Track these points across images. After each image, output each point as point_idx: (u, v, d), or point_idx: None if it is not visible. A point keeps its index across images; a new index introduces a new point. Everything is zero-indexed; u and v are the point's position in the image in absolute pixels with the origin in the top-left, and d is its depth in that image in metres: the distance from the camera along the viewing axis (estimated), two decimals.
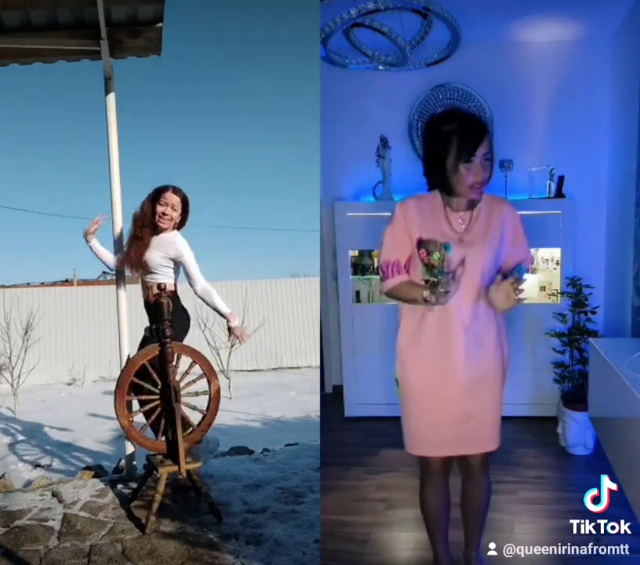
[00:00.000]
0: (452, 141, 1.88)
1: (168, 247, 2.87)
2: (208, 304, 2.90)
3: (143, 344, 2.85)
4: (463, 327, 1.99)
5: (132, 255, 2.87)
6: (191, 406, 2.68)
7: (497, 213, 2.07)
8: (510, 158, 4.12)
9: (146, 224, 2.88)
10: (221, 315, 2.87)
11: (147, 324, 2.81)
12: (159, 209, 2.87)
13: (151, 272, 2.89)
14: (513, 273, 1.94)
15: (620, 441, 2.47)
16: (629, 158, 3.71)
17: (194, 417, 2.73)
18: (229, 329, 2.87)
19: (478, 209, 2.05)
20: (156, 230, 2.90)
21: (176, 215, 2.91)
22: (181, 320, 2.91)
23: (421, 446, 2.10)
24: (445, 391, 2.03)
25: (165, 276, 2.90)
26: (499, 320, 2.07)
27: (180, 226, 2.97)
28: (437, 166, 1.93)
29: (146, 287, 2.93)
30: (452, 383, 2.02)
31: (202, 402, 2.75)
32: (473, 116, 1.97)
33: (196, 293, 2.91)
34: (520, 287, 1.89)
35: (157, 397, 2.64)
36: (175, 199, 2.90)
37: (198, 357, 2.73)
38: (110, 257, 3.09)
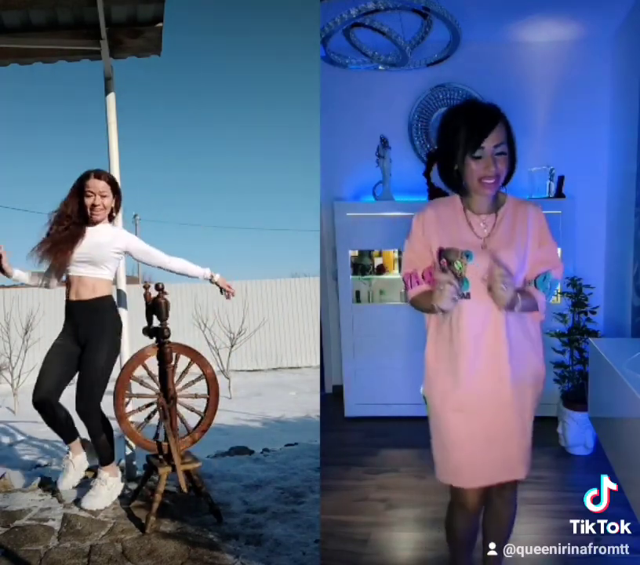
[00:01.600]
0: (459, 132, 1.74)
1: (115, 240, 2.61)
2: (188, 275, 2.78)
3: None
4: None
5: (58, 259, 2.55)
6: (189, 407, 2.68)
7: (522, 215, 1.88)
8: None
9: (75, 222, 2.57)
10: (205, 278, 2.83)
11: (146, 324, 2.77)
12: (87, 201, 2.56)
13: (94, 266, 2.59)
14: (538, 282, 1.81)
15: (620, 441, 2.47)
16: (629, 158, 3.71)
17: (193, 417, 2.73)
18: (216, 284, 2.86)
19: (502, 211, 1.87)
20: (88, 223, 2.60)
21: (108, 201, 2.61)
22: (116, 321, 2.70)
23: (456, 476, 1.94)
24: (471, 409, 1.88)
25: (110, 272, 2.64)
26: (533, 334, 1.91)
27: (116, 211, 2.69)
28: (447, 162, 1.80)
29: (74, 283, 2.64)
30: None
31: (202, 402, 2.75)
32: (485, 105, 1.80)
33: (173, 271, 2.73)
34: (506, 282, 1.71)
35: (153, 399, 2.65)
36: (100, 185, 2.58)
37: (196, 357, 2.73)
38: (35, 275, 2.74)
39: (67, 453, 2.71)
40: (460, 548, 2.15)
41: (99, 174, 2.61)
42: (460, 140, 1.74)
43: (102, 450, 2.66)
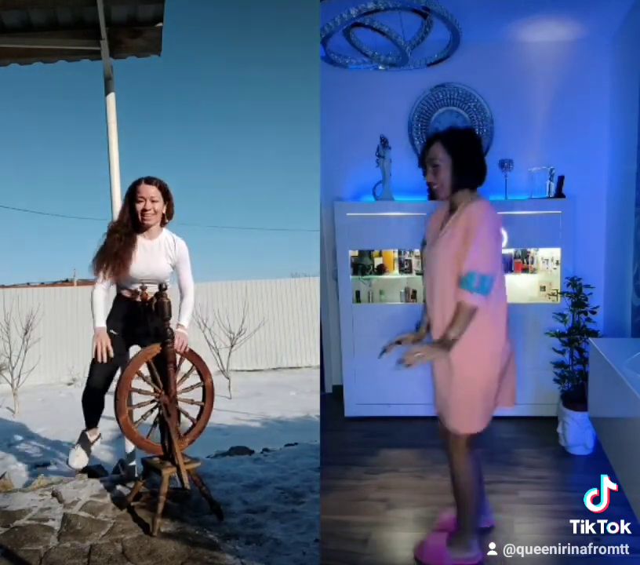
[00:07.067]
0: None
1: (171, 252, 2.72)
2: (180, 310, 2.80)
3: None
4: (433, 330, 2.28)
5: (120, 268, 2.62)
6: (184, 412, 2.68)
7: (460, 213, 2.16)
8: (510, 158, 4.12)
9: (127, 231, 2.65)
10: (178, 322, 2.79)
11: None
12: (137, 206, 2.63)
13: (150, 282, 2.69)
14: (462, 282, 2.06)
15: (620, 441, 2.46)
16: (629, 158, 3.71)
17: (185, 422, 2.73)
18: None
19: (457, 211, 2.19)
20: (141, 229, 2.69)
21: (159, 206, 2.67)
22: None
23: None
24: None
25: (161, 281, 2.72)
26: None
27: (168, 217, 2.75)
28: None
29: (133, 290, 2.72)
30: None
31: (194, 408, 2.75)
32: (438, 132, 2.29)
33: (181, 299, 2.80)
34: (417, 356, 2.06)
35: (153, 398, 2.64)
36: (151, 191, 2.65)
37: (201, 364, 2.74)
38: (100, 295, 2.72)
39: (85, 432, 2.71)
40: (476, 490, 2.36)
41: (149, 180, 2.66)
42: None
43: None
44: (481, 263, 2.05)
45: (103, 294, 2.70)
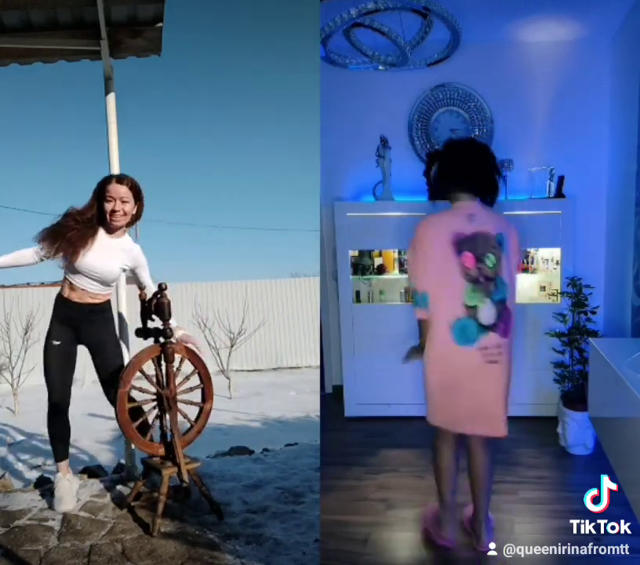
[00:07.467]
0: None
1: (126, 257, 2.60)
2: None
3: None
4: None
5: (71, 256, 2.48)
6: (183, 413, 2.67)
7: None
8: (511, 158, 4.12)
9: (89, 225, 2.50)
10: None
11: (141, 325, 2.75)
12: (107, 206, 2.47)
13: (104, 285, 2.60)
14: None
15: (620, 441, 2.46)
16: (629, 158, 3.71)
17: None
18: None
19: None
20: (108, 229, 2.56)
21: (129, 208, 2.51)
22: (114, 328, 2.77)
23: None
24: None
25: (109, 287, 2.64)
26: None
27: (137, 218, 2.60)
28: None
29: (78, 291, 2.58)
30: None
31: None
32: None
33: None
34: None
35: (153, 401, 2.64)
36: (122, 191, 2.48)
37: (203, 369, 2.73)
38: (26, 254, 2.53)
39: (57, 472, 2.72)
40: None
41: (121, 179, 2.52)
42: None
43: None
44: (411, 280, 2.40)
45: (28, 256, 2.50)
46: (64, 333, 2.64)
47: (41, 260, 2.53)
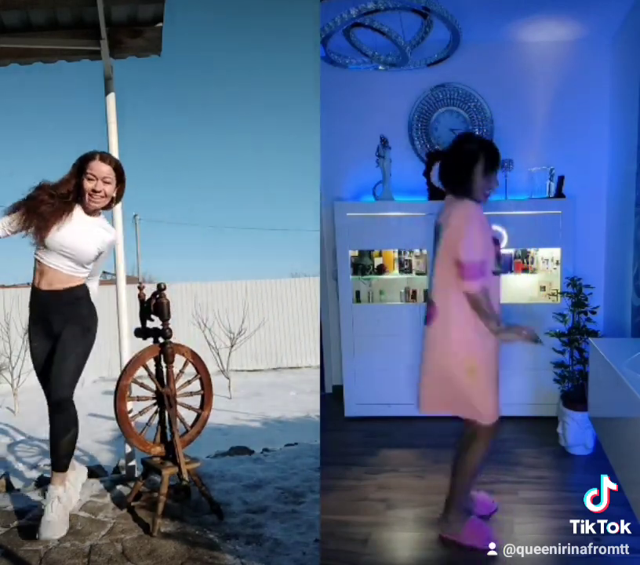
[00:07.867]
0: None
1: (105, 237, 2.41)
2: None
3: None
4: None
5: (38, 235, 2.29)
6: (180, 416, 2.66)
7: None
8: (511, 158, 4.12)
9: (65, 201, 2.32)
10: None
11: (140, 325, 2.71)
12: (88, 185, 2.30)
13: (76, 265, 2.38)
14: None
15: (620, 441, 2.46)
16: (629, 158, 3.71)
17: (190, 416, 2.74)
18: None
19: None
20: (85, 210, 2.38)
21: (111, 189, 2.35)
22: (94, 317, 2.49)
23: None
24: None
25: (88, 271, 2.44)
26: None
27: (117, 200, 2.43)
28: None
29: (47, 273, 2.37)
30: None
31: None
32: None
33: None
34: None
35: (152, 398, 2.64)
36: (105, 170, 2.31)
37: (205, 372, 2.73)
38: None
39: (50, 484, 2.39)
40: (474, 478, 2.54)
41: (105, 157, 2.36)
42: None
43: (65, 450, 2.36)
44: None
45: None
46: (39, 332, 2.44)
47: (10, 233, 2.33)
